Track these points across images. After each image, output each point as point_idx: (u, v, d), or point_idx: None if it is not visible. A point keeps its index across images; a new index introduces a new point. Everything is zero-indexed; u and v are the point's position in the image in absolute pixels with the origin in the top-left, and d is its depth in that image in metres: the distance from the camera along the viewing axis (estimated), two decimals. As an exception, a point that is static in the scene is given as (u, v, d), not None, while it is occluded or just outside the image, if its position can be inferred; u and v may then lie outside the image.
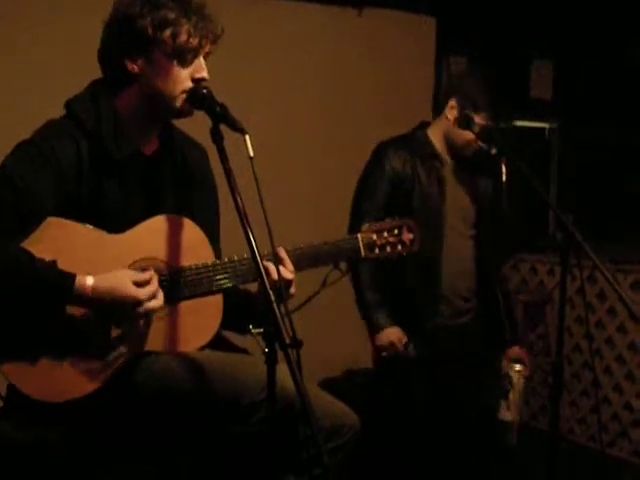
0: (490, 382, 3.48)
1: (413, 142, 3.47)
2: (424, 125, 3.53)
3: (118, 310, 2.18)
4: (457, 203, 3.46)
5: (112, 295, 2.15)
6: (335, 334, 4.70)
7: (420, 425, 3.33)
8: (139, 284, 2.17)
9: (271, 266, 2.20)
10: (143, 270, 2.24)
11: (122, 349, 2.23)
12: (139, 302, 2.17)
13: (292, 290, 2.34)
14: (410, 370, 3.35)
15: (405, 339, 3.33)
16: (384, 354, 3.33)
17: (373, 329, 3.39)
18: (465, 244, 3.48)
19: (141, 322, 2.23)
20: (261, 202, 1.97)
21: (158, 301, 2.20)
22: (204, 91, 2.23)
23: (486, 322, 3.52)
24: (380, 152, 3.46)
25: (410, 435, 3.35)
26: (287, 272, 2.32)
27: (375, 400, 3.45)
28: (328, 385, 4.09)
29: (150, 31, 2.24)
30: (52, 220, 2.21)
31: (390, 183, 3.40)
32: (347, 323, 4.48)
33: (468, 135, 3.31)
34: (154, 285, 2.20)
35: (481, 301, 3.51)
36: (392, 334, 3.33)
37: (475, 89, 3.41)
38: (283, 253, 2.35)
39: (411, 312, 3.39)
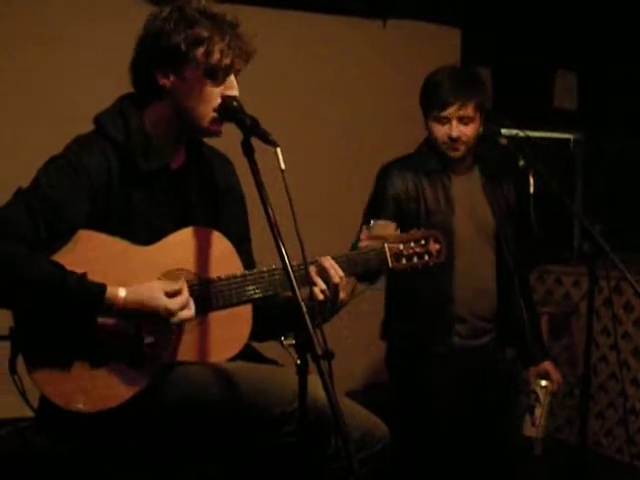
0: (513, 399, 3.43)
1: (417, 160, 3.37)
2: (427, 141, 3.40)
3: (150, 321, 2.20)
4: (472, 216, 3.35)
5: (144, 306, 2.17)
6: (355, 347, 4.70)
7: (441, 441, 3.28)
8: (170, 295, 2.19)
9: (315, 274, 2.23)
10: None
11: (154, 359, 2.25)
12: (171, 313, 2.18)
13: (342, 295, 2.35)
14: (430, 389, 3.29)
15: None
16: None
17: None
18: (484, 260, 3.36)
19: (174, 332, 2.25)
20: (292, 214, 1.98)
21: (190, 311, 2.22)
22: (234, 104, 2.25)
23: (509, 339, 3.42)
24: (383, 174, 3.37)
25: (431, 450, 3.30)
26: (336, 277, 2.34)
27: (395, 416, 3.40)
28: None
29: (183, 48, 2.26)
30: (82, 232, 2.23)
31: (395, 206, 3.30)
32: (367, 336, 4.49)
33: (436, 131, 3.27)
34: (185, 295, 2.21)
35: (504, 318, 3.39)
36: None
37: (428, 92, 3.32)
38: (330, 260, 2.37)
39: (424, 333, 3.29)
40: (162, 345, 2.25)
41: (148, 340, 2.23)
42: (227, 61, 2.28)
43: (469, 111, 3.24)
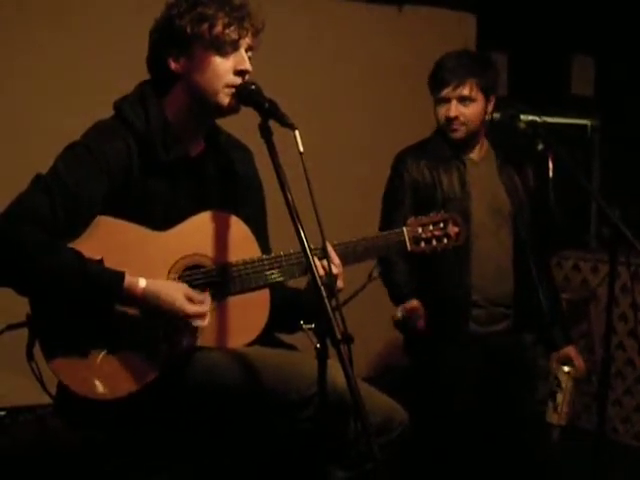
0: (530, 384, 3.41)
1: (431, 147, 3.39)
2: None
3: (163, 317, 2.20)
4: (489, 201, 3.35)
5: (161, 301, 2.17)
6: (373, 331, 4.68)
7: (459, 428, 3.27)
8: (191, 300, 2.20)
9: (318, 261, 2.20)
10: (195, 267, 2.27)
11: (173, 344, 2.24)
12: (186, 314, 2.19)
13: (340, 284, 2.33)
14: (448, 376, 3.28)
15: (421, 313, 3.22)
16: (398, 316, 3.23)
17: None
18: (501, 245, 3.35)
19: (183, 337, 2.25)
20: (311, 196, 1.97)
21: (202, 322, 2.23)
22: (252, 87, 2.24)
23: (528, 325, 3.41)
24: (399, 162, 3.41)
25: (450, 436, 3.29)
26: (334, 266, 2.31)
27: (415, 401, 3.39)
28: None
29: (188, 29, 2.27)
30: (101, 219, 2.24)
31: (412, 193, 3.35)
32: (385, 320, 4.48)
33: (437, 112, 3.31)
34: (205, 307, 2.22)
35: (522, 303, 3.38)
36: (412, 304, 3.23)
37: (431, 75, 3.36)
38: (329, 247, 2.34)
39: (443, 320, 3.28)
40: (181, 331, 2.25)
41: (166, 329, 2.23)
42: (232, 34, 2.28)
43: (466, 91, 3.26)
